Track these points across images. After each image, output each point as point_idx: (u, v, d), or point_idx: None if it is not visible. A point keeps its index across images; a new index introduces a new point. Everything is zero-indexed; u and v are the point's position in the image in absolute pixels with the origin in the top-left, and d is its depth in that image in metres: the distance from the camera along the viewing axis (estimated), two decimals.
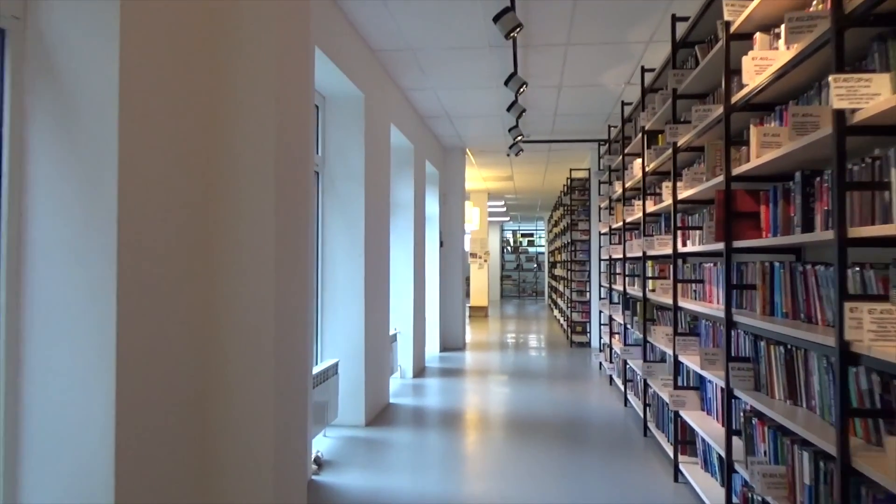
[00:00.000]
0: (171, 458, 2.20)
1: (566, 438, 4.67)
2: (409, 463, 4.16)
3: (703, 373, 3.13)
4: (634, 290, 5.19)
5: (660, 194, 4.50)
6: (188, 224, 2.31)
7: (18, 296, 1.93)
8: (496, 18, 3.70)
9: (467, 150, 9.46)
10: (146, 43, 2.05)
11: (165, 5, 2.15)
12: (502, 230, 24.06)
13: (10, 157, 1.92)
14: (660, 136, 4.62)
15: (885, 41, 1.87)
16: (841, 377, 1.84)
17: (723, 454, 2.91)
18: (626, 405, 5.65)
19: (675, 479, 3.73)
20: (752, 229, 2.77)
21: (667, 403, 3.96)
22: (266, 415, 2.42)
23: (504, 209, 18.70)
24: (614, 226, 6.40)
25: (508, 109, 5.58)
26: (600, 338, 7.80)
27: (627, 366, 5.62)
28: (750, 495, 2.70)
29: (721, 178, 2.88)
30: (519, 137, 6.63)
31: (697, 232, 3.61)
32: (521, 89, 4.88)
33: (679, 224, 3.84)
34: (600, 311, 7.73)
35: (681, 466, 3.70)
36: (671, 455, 3.86)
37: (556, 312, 14.27)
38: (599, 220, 7.98)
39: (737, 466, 2.78)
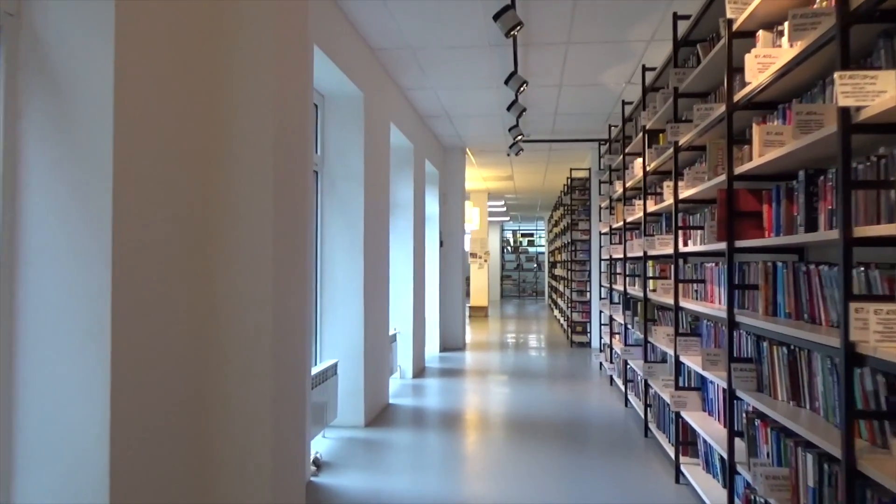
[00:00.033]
0: (166, 459, 2.18)
1: (566, 439, 4.65)
2: (408, 464, 4.14)
3: (705, 373, 3.11)
4: (635, 290, 5.17)
5: (661, 194, 4.48)
6: (185, 224, 2.28)
7: (12, 296, 1.91)
8: (496, 16, 3.68)
9: (467, 150, 9.44)
10: (142, 41, 2.03)
11: (162, 4, 2.13)
12: (502, 230, 24.04)
13: (4, 156, 1.90)
14: (661, 135, 4.60)
15: (892, 37, 1.85)
16: (846, 378, 1.82)
17: (725, 456, 2.89)
18: (626, 406, 5.63)
19: (677, 481, 3.70)
20: (755, 229, 2.75)
21: (668, 404, 3.94)
22: (263, 416, 2.39)
23: (504, 209, 18.67)
24: (615, 225, 6.37)
25: (508, 109, 5.56)
26: (601, 338, 7.78)
27: (628, 366, 5.59)
28: (752, 497, 2.68)
29: (723, 178, 2.86)
30: (519, 137, 6.60)
31: (699, 231, 3.59)
32: (522, 88, 4.85)
33: (680, 224, 3.81)
34: (601, 311, 7.71)
35: (682, 467, 3.68)
36: (672, 456, 3.83)
37: (556, 312, 14.25)
38: (600, 220, 7.96)
39: (739, 468, 2.76)
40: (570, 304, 10.21)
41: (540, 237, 24.51)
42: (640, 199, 5.11)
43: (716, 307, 3.15)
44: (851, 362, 1.83)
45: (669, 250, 3.93)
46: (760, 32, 2.63)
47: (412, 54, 5.19)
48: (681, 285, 3.82)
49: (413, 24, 4.55)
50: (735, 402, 2.85)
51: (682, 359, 3.60)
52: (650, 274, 4.73)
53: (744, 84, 2.67)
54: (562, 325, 12.34)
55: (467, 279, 14.26)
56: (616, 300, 6.44)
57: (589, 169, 9.72)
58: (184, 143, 2.27)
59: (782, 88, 2.53)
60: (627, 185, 5.58)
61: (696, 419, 3.46)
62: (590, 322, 9.57)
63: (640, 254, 4.81)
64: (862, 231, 1.80)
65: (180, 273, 2.25)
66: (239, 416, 2.39)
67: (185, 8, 2.26)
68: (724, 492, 3.17)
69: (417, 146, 7.25)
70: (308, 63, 3.18)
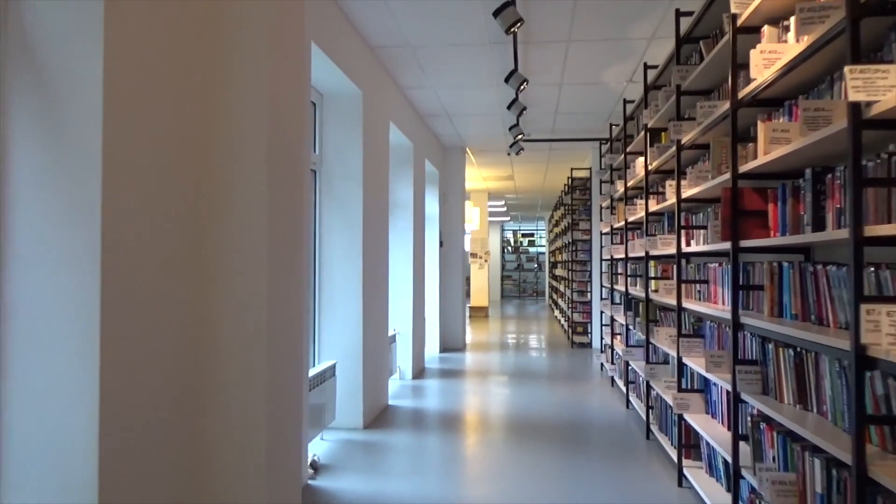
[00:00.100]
0: (158, 462, 2.13)
1: (567, 441, 4.60)
2: (408, 466, 4.08)
3: (708, 375, 3.06)
4: (636, 291, 5.12)
5: (663, 193, 4.43)
6: (178, 223, 2.23)
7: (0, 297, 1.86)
8: (496, 13, 3.63)
9: (467, 150, 9.39)
10: (132, 38, 1.98)
11: (153, 2, 2.07)
12: (503, 230, 23.99)
13: None
14: (663, 133, 4.55)
15: None
16: (857, 382, 1.77)
17: (729, 459, 2.83)
18: (627, 407, 5.58)
19: (679, 484, 3.65)
20: (760, 228, 2.70)
21: (670, 406, 3.89)
22: (258, 417, 2.35)
23: (504, 209, 18.62)
24: (616, 225, 6.32)
25: (509, 107, 5.50)
26: (601, 339, 7.73)
27: (629, 367, 5.54)
28: (758, 502, 2.62)
29: (727, 176, 2.81)
30: (519, 136, 6.55)
31: (702, 231, 3.53)
32: (522, 87, 4.80)
33: (683, 223, 3.76)
34: (602, 312, 7.66)
35: (685, 471, 3.62)
36: (675, 459, 3.78)
37: (556, 313, 14.20)
38: (601, 220, 7.91)
39: (744, 472, 2.71)
40: (570, 305, 10.16)
41: (540, 237, 24.46)
42: (641, 198, 5.06)
43: (719, 308, 3.10)
44: (862, 365, 1.77)
45: (672, 250, 3.88)
46: (766, 27, 2.58)
47: (412, 53, 5.14)
48: (683, 286, 3.76)
49: (413, 22, 4.50)
50: (740, 404, 2.79)
51: (685, 360, 3.54)
52: (652, 274, 4.68)
53: (748, 80, 2.62)
54: (562, 325, 12.29)
55: (467, 279, 14.21)
56: (617, 301, 6.39)
57: (590, 168, 9.67)
58: (177, 142, 2.22)
59: (788, 85, 2.47)
60: (629, 184, 5.53)
61: (699, 422, 3.40)
62: (590, 322, 9.52)
63: (642, 254, 4.76)
64: (873, 230, 1.74)
65: (172, 273, 2.20)
66: (233, 418, 2.34)
67: (178, 5, 2.21)
68: (728, 496, 3.12)
69: (417, 145, 7.20)
70: (305, 61, 3.13)
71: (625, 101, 6.11)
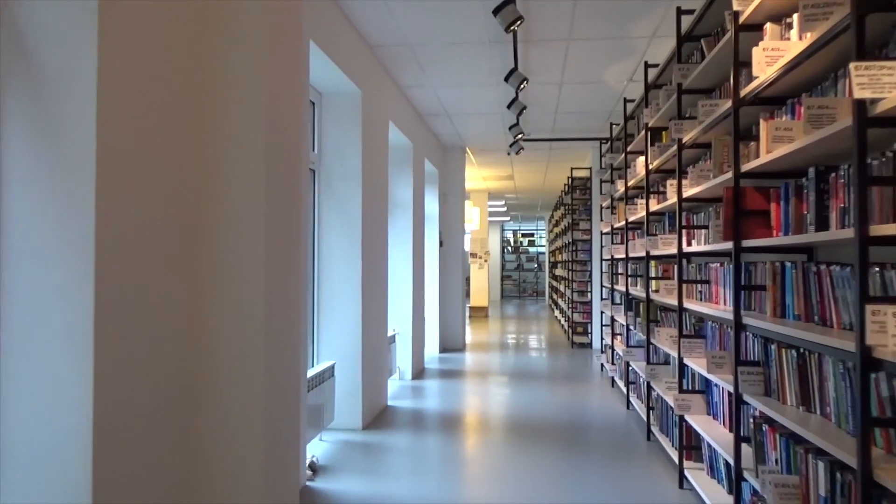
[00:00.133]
0: (153, 463, 2.10)
1: (567, 442, 4.57)
2: (407, 467, 4.06)
3: (710, 376, 3.03)
4: (637, 291, 5.09)
5: (663, 192, 4.40)
6: (174, 223, 2.21)
7: None
8: (496, 11, 3.60)
9: (467, 149, 9.36)
10: (127, 38, 1.95)
11: (148, 2, 2.05)
12: (503, 230, 23.96)
13: None
14: (664, 132, 4.52)
15: None
16: (862, 384, 1.74)
17: (731, 461, 2.81)
18: (628, 408, 5.55)
19: (680, 486, 3.62)
20: (762, 228, 2.67)
21: (671, 407, 3.86)
22: (255, 418, 2.32)
23: (504, 209, 18.59)
24: (616, 225, 6.30)
25: (509, 106, 5.48)
26: (602, 339, 7.70)
27: (630, 368, 5.51)
28: None
29: (729, 175, 2.78)
30: (519, 136, 6.52)
31: (703, 231, 3.51)
32: (522, 85, 4.77)
33: (684, 223, 3.73)
34: (602, 312, 7.63)
35: (686, 472, 3.60)
36: (676, 460, 3.75)
37: (556, 313, 14.17)
38: (601, 220, 7.88)
39: (746, 474, 2.68)
40: (570, 305, 10.14)
41: (540, 237, 24.43)
42: (642, 198, 5.04)
43: (721, 308, 3.07)
44: (867, 367, 1.75)
45: (673, 250, 3.85)
46: (768, 25, 2.55)
47: (411, 51, 5.12)
48: (684, 286, 3.74)
49: (412, 21, 4.47)
50: (742, 406, 2.77)
51: (686, 361, 3.52)
52: (653, 274, 4.65)
53: (750, 79, 2.59)
54: (562, 325, 12.27)
55: (467, 279, 14.19)
56: (618, 301, 6.36)
57: (590, 168, 9.64)
58: (173, 141, 2.20)
59: (791, 83, 2.45)
60: (629, 183, 5.50)
61: (701, 423, 3.38)
62: (591, 323, 9.50)
63: (643, 254, 4.73)
64: (879, 230, 1.71)
65: (169, 272, 2.17)
66: (229, 418, 2.32)
67: (174, 4, 2.19)
68: (729, 498, 3.09)
69: (417, 145, 7.17)
70: (302, 58, 3.10)
71: (625, 100, 6.08)
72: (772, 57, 2.37)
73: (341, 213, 4.84)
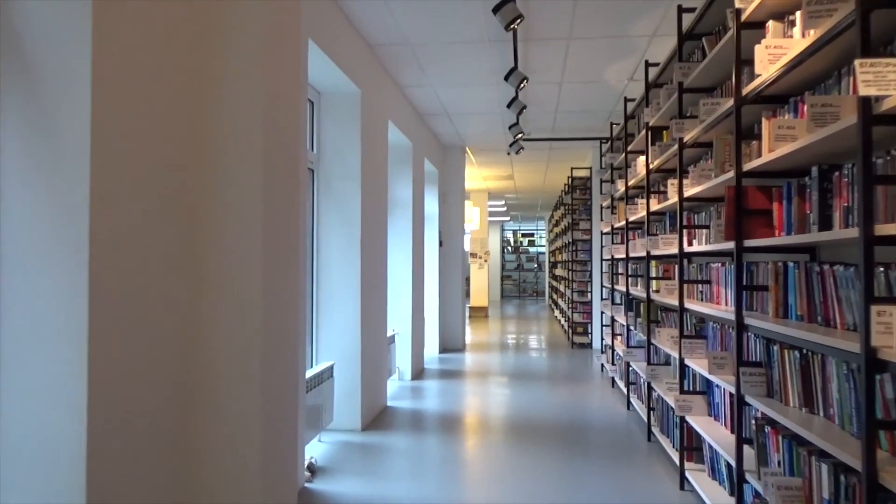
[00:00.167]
0: (149, 464, 2.08)
1: (567, 443, 4.55)
2: (406, 469, 4.03)
3: (711, 377, 3.01)
4: (637, 291, 5.07)
5: (664, 192, 4.37)
6: (171, 223, 2.19)
7: None
8: (496, 9, 3.57)
9: (467, 149, 9.33)
10: (122, 36, 1.93)
11: (143, 2, 2.03)
12: (503, 230, 23.93)
13: None
14: (664, 132, 4.49)
15: None
16: (867, 386, 1.71)
17: (732, 463, 2.78)
18: (628, 409, 5.53)
19: (681, 487, 3.60)
20: (764, 227, 2.65)
21: (672, 408, 3.84)
22: (253, 419, 2.30)
23: (504, 209, 18.57)
24: (616, 225, 6.27)
25: (509, 106, 5.45)
26: (602, 339, 7.68)
27: (630, 368, 5.49)
28: None
29: (731, 174, 2.76)
30: (519, 135, 6.50)
31: (704, 231, 3.48)
32: (522, 85, 4.75)
33: (685, 223, 3.71)
34: (602, 312, 7.61)
35: (687, 473, 3.57)
36: (676, 461, 3.73)
37: (556, 313, 14.15)
38: (601, 220, 7.86)
39: (748, 476, 2.66)
40: (570, 305, 10.11)
41: (540, 237, 24.41)
42: (642, 197, 5.01)
43: (722, 308, 3.05)
44: (872, 368, 1.72)
45: (674, 250, 3.83)
46: (770, 22, 2.53)
47: (411, 51, 5.09)
48: (685, 286, 3.71)
49: (412, 20, 4.45)
50: (744, 407, 2.74)
51: (687, 361, 3.49)
52: (653, 274, 4.63)
53: (752, 77, 2.57)
54: (562, 325, 12.24)
55: (467, 279, 14.16)
56: (618, 301, 6.34)
57: (590, 168, 9.61)
58: (170, 140, 2.17)
59: (794, 81, 2.42)
60: (630, 183, 5.48)
61: (702, 424, 3.35)
62: (591, 323, 9.47)
63: (643, 254, 4.71)
64: (884, 229, 1.69)
65: (165, 272, 2.15)
66: (227, 419, 2.30)
67: (171, 3, 2.16)
68: (731, 500, 3.07)
69: (416, 145, 7.15)
70: (301, 57, 3.08)
71: (626, 100, 6.05)
72: (774, 55, 2.34)
73: (340, 213, 4.81)
